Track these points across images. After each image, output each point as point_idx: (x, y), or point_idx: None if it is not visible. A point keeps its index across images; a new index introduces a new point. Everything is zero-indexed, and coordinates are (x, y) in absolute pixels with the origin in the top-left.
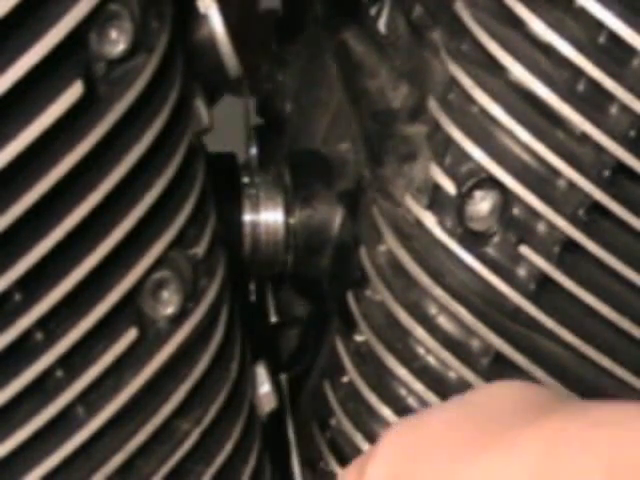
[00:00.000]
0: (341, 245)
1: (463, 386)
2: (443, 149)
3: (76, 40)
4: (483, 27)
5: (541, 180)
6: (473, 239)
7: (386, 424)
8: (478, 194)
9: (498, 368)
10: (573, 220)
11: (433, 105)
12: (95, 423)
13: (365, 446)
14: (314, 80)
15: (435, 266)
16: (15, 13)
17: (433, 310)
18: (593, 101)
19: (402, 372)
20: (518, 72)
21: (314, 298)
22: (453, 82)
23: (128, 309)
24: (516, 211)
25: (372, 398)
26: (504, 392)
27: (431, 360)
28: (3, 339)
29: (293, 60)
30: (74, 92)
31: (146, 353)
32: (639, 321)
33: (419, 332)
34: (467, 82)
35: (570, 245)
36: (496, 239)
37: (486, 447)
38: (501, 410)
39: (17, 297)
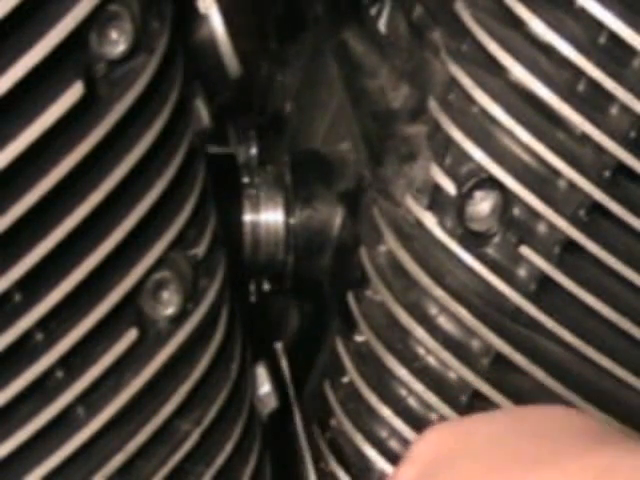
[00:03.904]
0: (341, 245)
1: (463, 386)
2: (443, 149)
3: (76, 40)
4: (483, 27)
5: (541, 180)
6: (473, 239)
7: (386, 424)
8: (478, 194)
9: (498, 368)
10: (573, 220)
11: (433, 105)
12: (95, 423)
13: (365, 446)
14: (314, 80)
15: (435, 266)
16: (15, 13)
17: (433, 310)
18: (593, 101)
19: (402, 372)
20: (518, 72)
21: (314, 298)
22: (453, 82)
23: (128, 309)
24: (516, 211)
25: (372, 398)
26: (554, 414)
27: (431, 360)
28: (3, 339)
29: (293, 60)
30: (75, 92)
31: (146, 353)
32: (639, 321)
33: (419, 332)
34: (467, 82)
35: (570, 245)
36: (496, 239)
37: (536, 467)
38: (551, 432)
39: (17, 297)
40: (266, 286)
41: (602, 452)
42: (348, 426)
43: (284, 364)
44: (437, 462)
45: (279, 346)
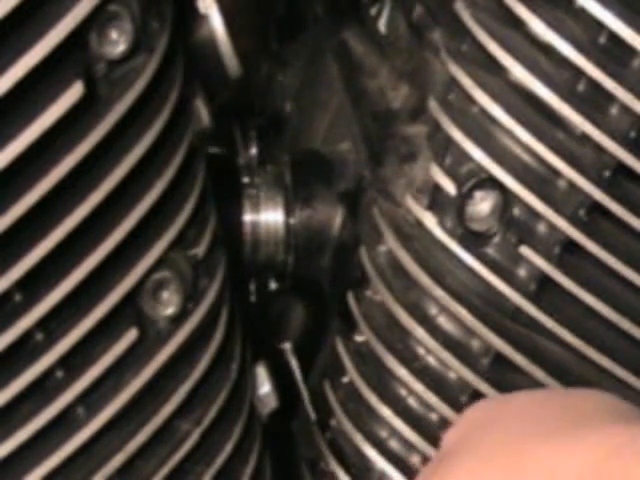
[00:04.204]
0: (341, 245)
1: (463, 386)
2: (443, 149)
3: (76, 40)
4: (483, 27)
5: (541, 180)
6: (473, 239)
7: (386, 424)
8: (478, 194)
9: (498, 368)
10: (573, 220)
11: (433, 105)
12: (95, 423)
13: (365, 446)
14: (314, 80)
15: (435, 267)
16: (15, 13)
17: (433, 310)
18: (593, 101)
19: (402, 372)
20: (518, 72)
21: (314, 298)
22: (453, 82)
23: (128, 309)
24: (516, 211)
25: (372, 398)
26: (589, 395)
27: (431, 360)
28: (3, 339)
29: (293, 60)
30: (74, 92)
31: (146, 353)
32: (639, 321)
33: (419, 332)
34: (467, 82)
35: (570, 245)
36: (496, 239)
37: (557, 433)
38: (581, 409)
39: (17, 297)
40: (268, 286)
41: (623, 430)
42: (348, 426)
43: (294, 364)
44: (475, 427)
45: (287, 346)
